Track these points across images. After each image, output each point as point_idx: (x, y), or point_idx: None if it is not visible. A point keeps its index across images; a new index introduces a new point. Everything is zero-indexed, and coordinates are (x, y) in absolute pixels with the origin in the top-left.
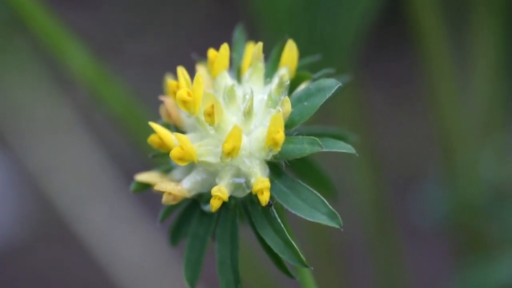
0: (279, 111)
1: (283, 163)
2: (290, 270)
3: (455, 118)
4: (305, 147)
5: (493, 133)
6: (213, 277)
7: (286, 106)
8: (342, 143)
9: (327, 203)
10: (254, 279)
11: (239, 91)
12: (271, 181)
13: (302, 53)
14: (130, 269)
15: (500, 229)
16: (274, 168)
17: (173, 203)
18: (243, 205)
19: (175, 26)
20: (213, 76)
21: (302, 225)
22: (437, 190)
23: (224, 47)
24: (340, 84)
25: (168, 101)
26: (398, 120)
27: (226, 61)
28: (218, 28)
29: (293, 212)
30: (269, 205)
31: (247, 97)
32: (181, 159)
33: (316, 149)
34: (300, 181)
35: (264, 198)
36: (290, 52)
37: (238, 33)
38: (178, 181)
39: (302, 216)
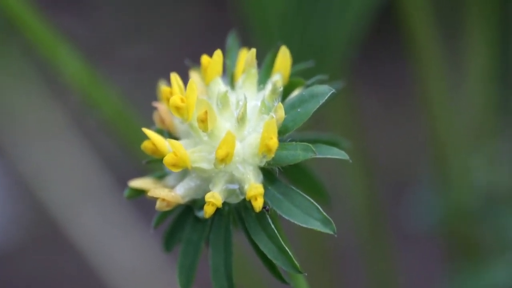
0: (273, 117)
1: (277, 169)
2: (284, 275)
3: (447, 122)
4: (298, 153)
5: (485, 138)
6: (207, 283)
7: (280, 113)
8: (335, 149)
9: (320, 209)
10: (248, 285)
11: (232, 98)
12: (265, 187)
13: (295, 59)
14: (123, 273)
15: (492, 234)
16: (268, 174)
17: (167, 209)
18: (237, 211)
19: (168, 31)
20: (206, 83)
21: (295, 231)
22: (430, 195)
23: (218, 54)
24: (333, 90)
25: (161, 107)
26: (391, 124)
27: (219, 68)
28: (211, 33)
29: (287, 218)
30: (266, 210)
31: (241, 103)
32: (174, 165)
33: (310, 155)
34: (293, 187)
35: (258, 204)
36: (283, 58)
37: (231, 39)
38: (172, 187)
39: (296, 222)
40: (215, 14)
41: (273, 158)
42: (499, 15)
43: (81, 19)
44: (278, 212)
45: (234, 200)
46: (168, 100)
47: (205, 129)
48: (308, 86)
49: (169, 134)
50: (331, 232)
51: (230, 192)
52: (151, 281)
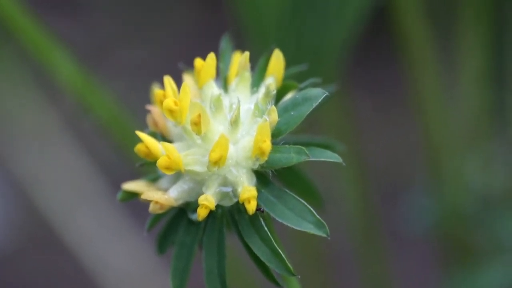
0: (266, 120)
1: (270, 172)
2: (277, 278)
3: (441, 125)
4: (291, 156)
5: (480, 140)
6: (200, 285)
7: (273, 116)
8: (329, 152)
9: (314, 212)
10: None
11: (226, 101)
12: (258, 190)
13: (289, 62)
14: (118, 276)
15: (487, 237)
16: (261, 177)
17: (160, 212)
18: (230, 214)
19: (163, 34)
20: (200, 86)
21: (289, 234)
22: (424, 198)
23: (211, 57)
24: (326, 93)
25: (154, 110)
26: (385, 128)
27: (212, 71)
28: (207, 37)
29: (280, 221)
30: (261, 211)
31: (234, 106)
32: (168, 168)
33: (303, 158)
34: (287, 190)
35: (251, 207)
36: (277, 61)
37: (224, 42)
38: (165, 190)
39: (289, 225)
40: (210, 17)
41: (266, 161)
42: (493, 17)
43: (77, 23)
44: (272, 215)
45: (227, 203)
46: (161, 103)
47: (198, 132)
48: (301, 89)
49: (162, 137)
50: (324, 235)
51: (223, 195)
52: (145, 283)
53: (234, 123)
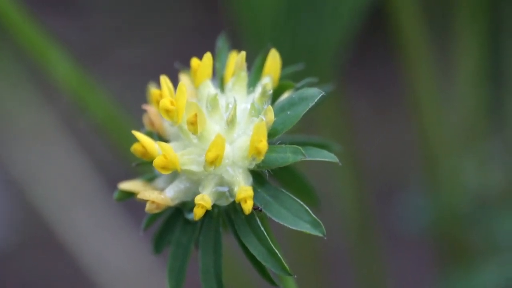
0: (262, 120)
1: (266, 172)
2: (274, 278)
3: (437, 125)
4: (288, 156)
5: (476, 140)
6: (196, 285)
7: (269, 115)
8: (325, 152)
9: (310, 211)
10: (238, 287)
11: (222, 100)
12: (254, 190)
13: (285, 62)
14: (114, 275)
15: (482, 237)
16: (258, 176)
17: (157, 211)
18: (227, 214)
19: (159, 34)
20: (196, 85)
21: (285, 234)
22: (420, 198)
23: (207, 56)
24: (323, 93)
25: (151, 109)
26: (381, 127)
27: (209, 70)
28: (204, 36)
29: (277, 220)
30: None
31: (230, 106)
32: (164, 167)
33: (299, 158)
34: (283, 190)
35: (247, 207)
36: (273, 61)
37: (221, 42)
38: (162, 189)
39: (286, 224)
40: (207, 17)
41: (262, 161)
42: (489, 16)
43: (73, 22)
44: (268, 214)
45: (223, 203)
46: (158, 102)
47: (195, 132)
48: (298, 89)
49: (159, 136)
50: (320, 235)
51: (219, 195)
52: (141, 282)
53: (231, 122)
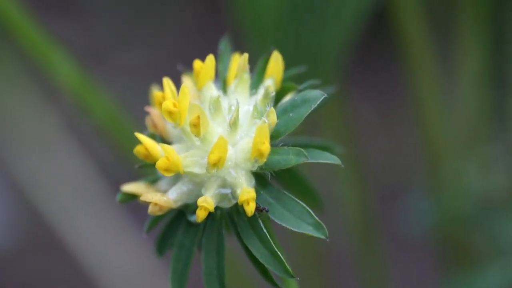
0: (265, 122)
1: (269, 173)
2: (276, 280)
3: (441, 128)
4: (290, 158)
5: (479, 143)
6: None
7: (272, 117)
8: (327, 154)
9: (312, 213)
10: None
11: (224, 102)
12: (257, 192)
13: (288, 64)
14: (117, 278)
15: (485, 240)
16: (260, 178)
17: (159, 213)
18: (229, 216)
19: (161, 36)
20: (199, 87)
21: (288, 236)
22: (423, 201)
23: (210, 58)
24: (325, 95)
25: (154, 111)
26: (384, 130)
27: (211, 72)
28: (206, 38)
29: (279, 222)
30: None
31: (233, 108)
32: (167, 170)
33: (302, 160)
34: (286, 192)
35: (250, 209)
36: (276, 63)
37: (223, 44)
38: (164, 191)
39: (288, 226)
40: (209, 19)
41: (265, 163)
42: (492, 19)
43: (75, 24)
44: (270, 216)
45: (226, 205)
46: (160, 104)
47: (197, 134)
48: (300, 91)
49: (161, 138)
50: (323, 237)
51: (222, 197)
52: (144, 284)
53: (233, 124)
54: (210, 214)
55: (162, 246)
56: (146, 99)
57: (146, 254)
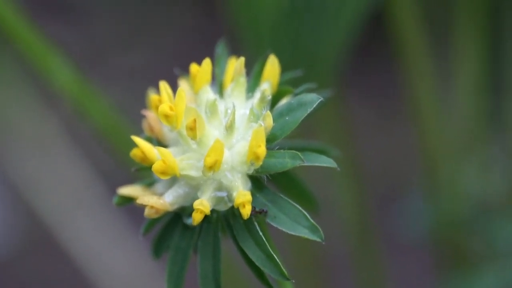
0: (261, 125)
1: (265, 177)
2: (272, 283)
3: (438, 130)
4: (286, 161)
5: (476, 146)
6: None
7: (268, 121)
8: (323, 157)
9: (308, 216)
10: None
11: (221, 106)
12: (253, 195)
13: (285, 67)
14: (115, 280)
15: (483, 243)
16: (256, 182)
17: (156, 216)
18: (225, 219)
19: (161, 38)
20: (195, 91)
21: (285, 238)
22: (421, 204)
23: (206, 62)
24: (321, 99)
25: (150, 115)
26: (382, 132)
27: (208, 76)
28: (204, 42)
29: (275, 225)
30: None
31: (229, 111)
32: (163, 173)
33: (298, 163)
34: (281, 195)
35: (246, 212)
36: (272, 67)
37: (220, 48)
38: (161, 194)
39: (284, 229)
40: (208, 22)
41: (261, 166)
42: (489, 23)
43: (74, 26)
44: (266, 219)
45: (222, 208)
46: (157, 108)
47: (193, 137)
48: (296, 94)
49: (158, 142)
50: (319, 240)
51: (218, 200)
52: (142, 287)
53: (229, 128)
54: (206, 217)
55: (158, 248)
56: (144, 102)
57: (144, 256)
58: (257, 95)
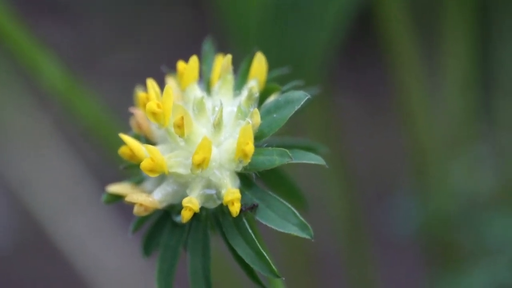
0: (249, 123)
1: (254, 174)
2: (263, 280)
3: (427, 128)
4: (274, 158)
5: (465, 144)
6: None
7: (256, 118)
8: (312, 155)
9: (297, 214)
10: None
11: (208, 103)
12: (242, 192)
13: (273, 65)
14: (108, 277)
15: (472, 240)
16: (245, 179)
17: (145, 214)
18: (214, 216)
19: (151, 39)
20: (182, 88)
21: (276, 236)
22: (410, 202)
23: (193, 59)
24: (308, 96)
25: (138, 112)
26: (371, 131)
27: (195, 73)
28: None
29: (264, 223)
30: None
31: (217, 109)
32: (151, 170)
33: (286, 160)
34: (270, 192)
35: (235, 209)
36: (259, 64)
37: (207, 45)
38: (150, 192)
39: (273, 227)
40: (198, 21)
41: (249, 163)
42: (477, 21)
43: (65, 27)
44: (256, 217)
45: (211, 205)
46: (144, 105)
47: (181, 135)
48: (284, 92)
49: (146, 139)
50: (308, 237)
51: (207, 197)
52: (135, 284)
53: (217, 125)
54: (195, 214)
55: (148, 246)
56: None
57: (137, 253)
58: (245, 92)
